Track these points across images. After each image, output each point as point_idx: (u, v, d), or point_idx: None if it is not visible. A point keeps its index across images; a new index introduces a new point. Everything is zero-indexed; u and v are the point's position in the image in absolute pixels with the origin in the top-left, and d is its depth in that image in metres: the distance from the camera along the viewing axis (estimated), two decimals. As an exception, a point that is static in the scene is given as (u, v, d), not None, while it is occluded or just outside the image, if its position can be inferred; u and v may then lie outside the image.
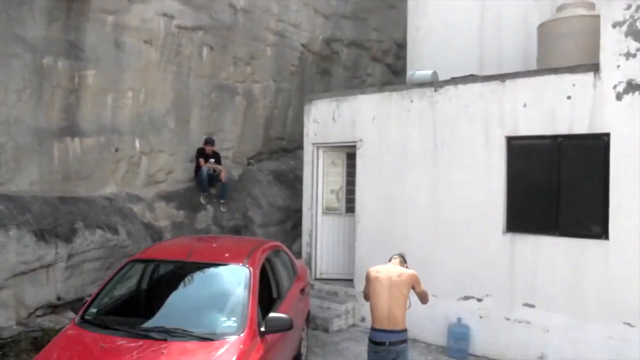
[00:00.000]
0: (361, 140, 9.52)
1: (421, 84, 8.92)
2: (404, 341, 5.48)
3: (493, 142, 8.03)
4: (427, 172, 8.67)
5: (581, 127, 7.31)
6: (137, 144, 9.96)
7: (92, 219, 8.78)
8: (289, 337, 6.18)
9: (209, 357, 4.50)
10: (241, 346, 4.72)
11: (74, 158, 8.96)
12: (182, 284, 5.69)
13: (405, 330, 5.52)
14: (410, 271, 5.71)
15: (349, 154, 10.12)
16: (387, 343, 5.39)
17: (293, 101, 13.17)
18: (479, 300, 8.10)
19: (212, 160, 10.74)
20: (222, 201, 10.88)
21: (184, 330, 4.87)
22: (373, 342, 5.51)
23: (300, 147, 11.04)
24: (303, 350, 7.45)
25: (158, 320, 5.16)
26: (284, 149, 13.32)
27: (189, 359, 4.47)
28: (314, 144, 10.29)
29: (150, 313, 5.39)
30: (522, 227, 7.82)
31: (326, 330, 9.00)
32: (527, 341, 7.69)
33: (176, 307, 5.43)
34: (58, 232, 8.20)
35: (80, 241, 8.40)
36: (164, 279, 6.02)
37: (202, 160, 10.62)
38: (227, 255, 6.09)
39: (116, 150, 9.61)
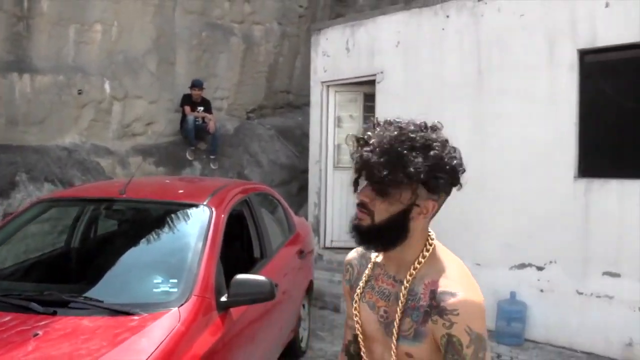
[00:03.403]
0: (382, 73, 7.54)
1: (460, -6, 6.91)
2: None
3: (560, 60, 5.99)
4: (470, 106, 6.67)
5: (688, 29, 5.25)
6: (107, 86, 8.35)
7: (41, 172, 7.05)
8: (279, 315, 4.25)
9: (113, 343, 2.54)
10: (178, 324, 2.77)
11: (23, 99, 7.35)
12: (108, 232, 3.76)
13: None
14: None
15: (367, 94, 8.17)
16: None
17: (302, 49, 11.33)
18: (540, 268, 6.08)
19: (201, 108, 8.92)
20: (212, 157, 9.01)
21: (87, 298, 2.94)
22: None
23: (309, 103, 9.20)
24: (303, 333, 5.52)
25: (58, 284, 3.23)
26: (290, 104, 11.51)
27: (78, 347, 2.53)
28: (323, 82, 8.36)
29: (53, 274, 3.48)
30: (600, 171, 5.79)
31: (337, 309, 7.12)
32: (609, 322, 5.67)
33: (92, 265, 3.51)
34: (-9, 184, 6.43)
35: (22, 196, 6.65)
36: (85, 227, 4.10)
37: (188, 108, 8.81)
38: (180, 192, 4.15)
39: (79, 92, 8.01)
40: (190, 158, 8.85)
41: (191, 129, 8.73)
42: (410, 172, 1.48)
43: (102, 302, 2.91)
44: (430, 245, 1.64)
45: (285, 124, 10.76)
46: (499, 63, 6.47)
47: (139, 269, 3.38)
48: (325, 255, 8.14)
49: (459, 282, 1.55)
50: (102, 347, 2.52)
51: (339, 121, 8.40)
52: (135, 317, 2.79)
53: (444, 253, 1.66)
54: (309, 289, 5.80)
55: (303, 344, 5.53)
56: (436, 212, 1.62)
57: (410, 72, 7.27)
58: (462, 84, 6.75)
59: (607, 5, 5.69)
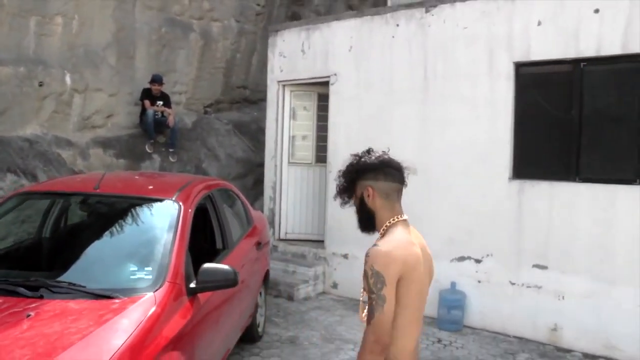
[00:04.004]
0: (335, 75, 7.94)
1: (409, 5, 7.35)
2: None
3: (498, 70, 6.52)
4: (416, 110, 7.14)
5: (612, 48, 5.82)
6: (67, 79, 8.43)
7: (3, 162, 7.15)
8: (239, 301, 4.64)
9: (99, 322, 2.90)
10: (154, 307, 3.14)
11: (-17, 89, 7.34)
12: (84, 224, 4.08)
13: None
14: None
15: (321, 94, 8.53)
16: None
17: (258, 47, 11.59)
18: (478, 261, 6.64)
19: (160, 102, 9.12)
20: (171, 150, 9.24)
21: (70, 284, 3.27)
22: None
23: (265, 98, 9.48)
24: (260, 319, 5.90)
25: (41, 271, 3.55)
26: (246, 99, 11.76)
27: (66, 325, 2.87)
28: (279, 81, 8.68)
29: (32, 263, 3.80)
30: (532, 173, 6.34)
31: (291, 297, 7.47)
32: (537, 309, 6.25)
33: (69, 254, 3.79)
34: (-47, 174, 6.55)
35: (-16, 187, 6.74)
36: (61, 219, 4.39)
37: (148, 102, 9.00)
38: (150, 187, 4.48)
39: (40, 84, 8.07)
40: (149, 151, 9.05)
41: (151, 122, 8.93)
42: (341, 184, 2.47)
43: (84, 287, 3.25)
44: (388, 225, 2.36)
45: (242, 119, 11.03)
46: (444, 70, 6.95)
47: (115, 258, 3.71)
48: (280, 247, 8.50)
49: (383, 241, 2.28)
50: (90, 325, 2.87)
51: (293, 119, 8.73)
52: (116, 301, 3.14)
53: (397, 230, 2.34)
54: (266, 278, 6.19)
55: (260, 329, 5.92)
56: (383, 190, 2.39)
57: (362, 75, 7.68)
58: (409, 89, 7.20)
59: (539, 23, 6.24)
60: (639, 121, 5.71)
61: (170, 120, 9.04)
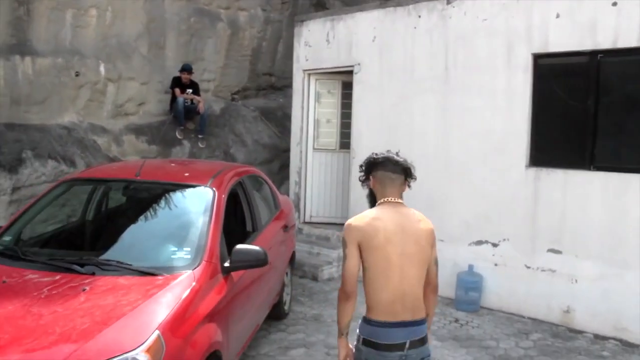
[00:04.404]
0: (359, 65, 8.21)
1: (431, -3, 7.58)
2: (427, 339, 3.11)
3: (517, 62, 6.73)
4: (437, 99, 7.39)
5: (629, 40, 5.98)
6: (102, 69, 8.83)
7: (44, 149, 7.59)
8: (267, 280, 4.99)
9: (147, 296, 3.27)
10: (194, 283, 3.50)
11: (25, 80, 7.81)
12: (127, 208, 4.46)
13: (426, 319, 3.15)
14: (428, 221, 3.15)
15: (345, 82, 8.81)
16: (406, 345, 2.94)
17: (284, 34, 11.85)
18: (495, 245, 6.91)
19: (190, 90, 9.49)
20: (200, 136, 9.62)
21: (119, 262, 3.64)
22: (377, 347, 2.95)
23: (291, 84, 9.77)
24: (286, 298, 6.28)
25: (90, 251, 3.94)
26: (272, 86, 12.06)
27: (118, 298, 3.25)
28: (304, 70, 8.99)
29: (82, 243, 4.20)
30: (548, 161, 6.57)
31: (315, 278, 7.84)
32: (551, 292, 6.51)
33: (117, 235, 4.18)
34: (1, 161, 6.97)
35: (29, 172, 7.22)
36: (104, 203, 4.78)
37: (178, 90, 9.38)
38: (186, 174, 4.84)
39: (77, 74, 8.47)
40: (179, 137, 9.44)
41: (181, 109, 9.31)
42: (360, 174, 3.21)
43: (130, 265, 3.63)
44: (377, 204, 3.08)
45: (268, 105, 11.37)
46: (464, 61, 7.18)
47: (156, 239, 4.09)
48: (304, 229, 8.85)
49: (353, 217, 3.06)
50: (138, 299, 3.24)
51: (319, 106, 9.04)
52: (160, 277, 3.51)
53: (375, 209, 3.06)
54: (292, 259, 6.56)
55: (286, 307, 6.30)
56: (379, 179, 3.08)
57: (384, 65, 7.94)
58: (430, 78, 7.45)
59: (557, 16, 6.43)
60: (653, 112, 5.90)
61: (201, 108, 9.41)
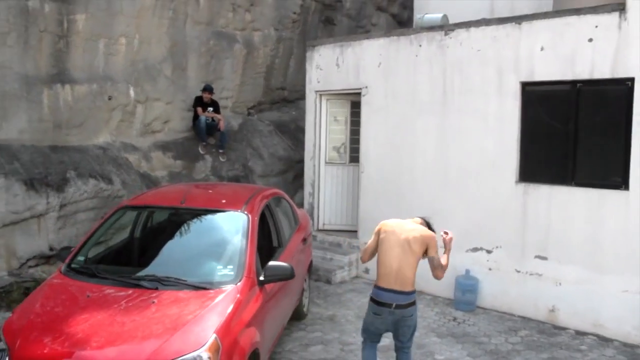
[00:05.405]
0: (366, 87, 9.07)
1: (430, 28, 8.42)
2: (412, 304, 4.82)
3: (507, 88, 7.59)
4: (436, 120, 8.25)
5: (603, 72, 6.85)
6: (131, 92, 9.62)
7: (85, 168, 8.45)
8: (290, 288, 5.87)
9: (203, 306, 4.16)
10: (238, 295, 4.39)
11: (65, 106, 8.63)
12: (175, 231, 5.33)
13: (414, 292, 4.85)
14: (427, 231, 4.98)
15: (354, 102, 9.67)
16: (393, 305, 4.73)
17: (295, 50, 12.69)
18: (489, 252, 7.78)
19: (211, 109, 10.35)
20: (221, 151, 10.50)
21: (176, 279, 4.53)
22: (376, 302, 4.82)
23: (302, 97, 10.58)
24: (305, 301, 7.18)
25: (150, 269, 4.84)
26: (285, 99, 12.90)
27: (182, 308, 4.14)
28: (316, 91, 9.85)
29: (141, 262, 5.09)
30: (535, 177, 7.44)
31: (329, 281, 8.75)
32: (538, 294, 7.40)
33: (169, 255, 5.09)
34: (49, 181, 7.88)
35: (73, 190, 8.08)
36: (157, 226, 5.68)
37: (200, 109, 10.23)
38: (223, 201, 5.71)
39: (109, 98, 9.26)
40: (202, 152, 10.31)
41: (203, 127, 10.18)
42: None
43: (186, 281, 4.51)
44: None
45: (282, 119, 12.22)
46: (460, 87, 8.02)
47: (204, 258, 4.97)
48: (318, 237, 9.74)
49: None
50: (197, 309, 4.13)
51: (329, 124, 9.91)
52: (211, 291, 4.40)
53: (398, 220, 5.17)
54: (310, 267, 7.46)
55: (305, 309, 7.20)
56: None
57: (389, 88, 8.79)
58: (430, 102, 8.30)
59: (542, 49, 7.27)
60: (625, 135, 6.72)
61: (221, 125, 10.28)
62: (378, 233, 4.98)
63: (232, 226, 5.19)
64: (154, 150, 9.90)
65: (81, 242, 5.25)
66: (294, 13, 12.66)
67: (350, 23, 14.29)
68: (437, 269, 4.84)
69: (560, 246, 7.19)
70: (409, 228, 4.92)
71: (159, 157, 9.89)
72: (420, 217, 5.23)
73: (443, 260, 4.88)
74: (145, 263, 5.03)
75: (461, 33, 8.00)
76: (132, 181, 9.03)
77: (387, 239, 4.87)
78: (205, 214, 5.40)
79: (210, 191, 6.53)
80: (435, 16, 8.93)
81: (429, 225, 5.13)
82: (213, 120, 10.31)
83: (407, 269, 4.77)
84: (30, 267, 7.74)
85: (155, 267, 4.83)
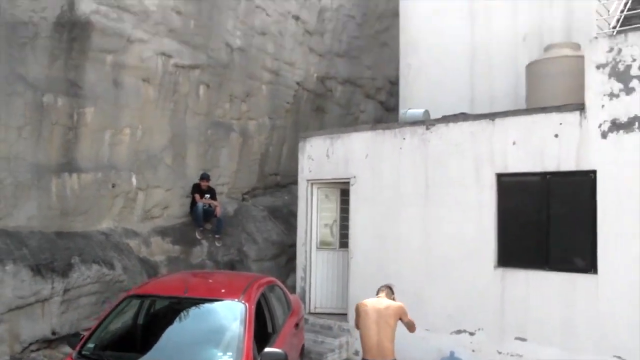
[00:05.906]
0: (354, 177, 9.70)
1: (413, 122, 9.14)
2: None
3: (484, 180, 8.22)
4: (419, 209, 8.83)
5: (569, 165, 7.52)
6: (133, 179, 10.07)
7: (89, 254, 8.86)
8: (284, 372, 6.23)
9: (206, 391, 4.57)
10: (237, 380, 4.81)
11: (72, 194, 9.08)
12: (178, 319, 5.76)
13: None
14: (396, 303, 6.26)
15: (343, 190, 10.26)
16: None
17: (288, 138, 13.38)
18: (472, 334, 8.19)
19: (208, 195, 10.89)
20: (217, 236, 10.99)
21: (180, 365, 4.96)
22: None
23: (294, 182, 11.19)
24: (297, 382, 7.52)
25: (154, 355, 5.24)
26: (278, 185, 13.49)
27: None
28: (308, 180, 10.46)
29: (146, 348, 5.45)
30: (512, 262, 7.96)
31: (320, 364, 9.06)
32: (519, 375, 7.77)
33: (172, 342, 5.50)
34: (55, 266, 8.28)
35: (77, 276, 8.47)
36: (161, 314, 6.09)
37: (197, 196, 10.77)
38: (223, 291, 6.18)
39: (113, 186, 9.71)
40: (199, 237, 10.80)
41: (200, 213, 10.70)
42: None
43: (188, 367, 4.94)
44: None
45: (275, 203, 12.78)
46: (441, 178, 8.65)
47: (206, 344, 5.40)
48: (310, 320, 10.09)
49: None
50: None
51: (320, 211, 10.48)
52: (212, 376, 4.82)
53: (370, 298, 6.46)
54: (302, 351, 7.83)
55: (298, 390, 7.53)
56: (377, 291, 6.66)
57: (375, 179, 9.42)
58: (414, 192, 8.91)
59: (514, 143, 7.96)
60: (592, 222, 7.31)
61: (218, 212, 10.82)
62: (357, 313, 6.34)
63: (231, 314, 5.63)
64: (153, 235, 10.35)
65: (91, 330, 5.67)
66: (287, 103, 13.40)
67: (340, 110, 15.09)
68: (411, 327, 6.28)
69: (537, 328, 7.63)
70: (383, 306, 6.17)
71: (157, 242, 10.34)
72: (384, 286, 6.59)
73: (411, 319, 6.27)
74: (149, 349, 5.41)
75: (441, 128, 8.71)
76: (133, 266, 9.45)
77: (363, 318, 6.18)
78: (206, 303, 5.86)
79: (210, 280, 7.01)
80: (417, 111, 9.68)
81: (391, 289, 6.54)
82: (210, 206, 10.84)
83: (385, 341, 6.03)
84: (32, 351, 8.04)
85: (159, 353, 5.24)
